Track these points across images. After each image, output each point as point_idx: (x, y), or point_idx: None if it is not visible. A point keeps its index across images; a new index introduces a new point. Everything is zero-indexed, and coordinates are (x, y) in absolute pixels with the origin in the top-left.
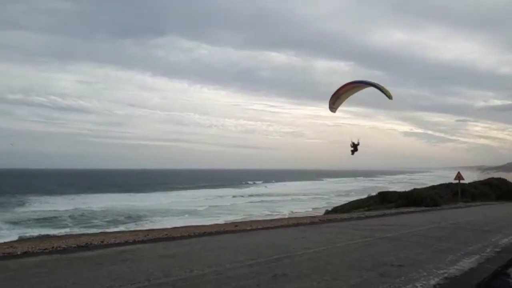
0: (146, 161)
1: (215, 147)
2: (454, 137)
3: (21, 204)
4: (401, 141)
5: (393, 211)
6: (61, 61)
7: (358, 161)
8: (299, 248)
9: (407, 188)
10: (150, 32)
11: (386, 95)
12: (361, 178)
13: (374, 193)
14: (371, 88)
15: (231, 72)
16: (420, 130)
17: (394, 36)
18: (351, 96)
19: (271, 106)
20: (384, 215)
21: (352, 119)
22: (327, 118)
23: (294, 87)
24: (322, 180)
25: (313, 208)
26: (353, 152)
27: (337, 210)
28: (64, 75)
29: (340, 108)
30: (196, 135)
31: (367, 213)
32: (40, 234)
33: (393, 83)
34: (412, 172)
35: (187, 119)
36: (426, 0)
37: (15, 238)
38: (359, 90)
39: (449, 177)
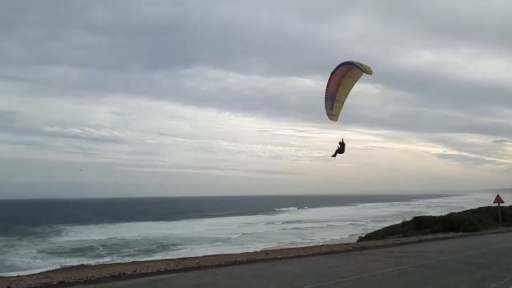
0: (177, 189)
1: (244, 173)
2: (491, 158)
3: (57, 233)
4: (435, 164)
5: (429, 237)
6: (95, 94)
7: (391, 185)
8: (333, 277)
9: (443, 212)
10: (180, 63)
11: (366, 72)
12: (396, 202)
13: (409, 218)
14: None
15: (259, 98)
16: (454, 152)
17: (423, 57)
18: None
19: (299, 131)
20: (420, 241)
21: (382, 142)
22: (356, 141)
23: (322, 112)
24: (355, 205)
25: (348, 235)
26: (337, 153)
27: (371, 236)
28: (99, 107)
29: (369, 131)
30: (226, 161)
31: (402, 240)
32: (74, 264)
33: (424, 104)
34: (448, 196)
35: (216, 146)
36: (456, 19)
37: (50, 267)
38: (351, 82)
39: (487, 200)
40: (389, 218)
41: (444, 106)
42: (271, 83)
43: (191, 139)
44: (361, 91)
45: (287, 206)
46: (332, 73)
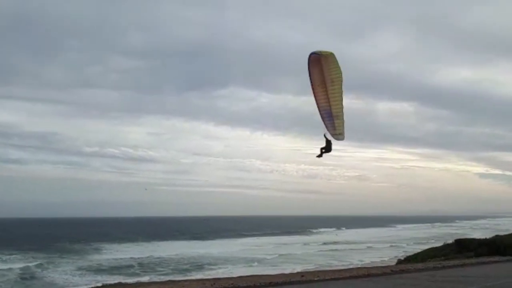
0: (211, 208)
1: (277, 192)
2: None
3: (95, 251)
4: (477, 183)
5: (473, 260)
6: (132, 115)
7: (431, 206)
8: None
9: (488, 234)
10: (213, 84)
11: (322, 54)
12: (437, 224)
13: (450, 241)
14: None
15: (291, 117)
16: (497, 171)
17: (461, 74)
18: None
19: (333, 149)
20: (463, 265)
21: (420, 161)
22: (393, 160)
23: (356, 130)
24: (394, 226)
25: (388, 258)
26: (322, 152)
27: (410, 259)
28: (135, 128)
29: (405, 149)
30: (258, 181)
31: (444, 263)
32: (112, 283)
33: (463, 122)
34: (492, 217)
35: (249, 166)
36: (493, 34)
37: (88, 285)
38: (337, 87)
39: None
40: (429, 241)
41: (484, 124)
42: (302, 102)
43: (224, 158)
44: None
45: (322, 227)
46: (312, 83)
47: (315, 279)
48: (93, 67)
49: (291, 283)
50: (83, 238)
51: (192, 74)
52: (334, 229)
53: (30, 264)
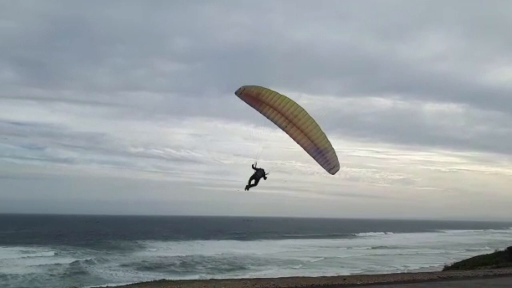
0: (251, 209)
1: (318, 195)
2: None
3: (139, 249)
4: None
5: None
6: (176, 117)
7: (481, 211)
8: None
9: None
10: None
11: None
12: (485, 230)
13: (503, 248)
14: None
15: (332, 119)
16: None
17: None
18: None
19: (377, 152)
20: None
21: (469, 165)
22: (440, 164)
23: (402, 132)
24: (442, 231)
25: (437, 264)
26: (250, 183)
27: (458, 266)
28: (179, 129)
29: (454, 152)
30: (299, 183)
31: (495, 271)
32: (156, 279)
33: None
34: None
35: (289, 167)
36: None
37: (130, 281)
38: (302, 117)
39: None
40: (480, 247)
41: None
42: (345, 103)
43: (264, 160)
44: (444, 110)
45: (366, 231)
46: (279, 126)
47: (358, 283)
48: (139, 70)
49: (333, 286)
50: (128, 235)
51: (234, 76)
52: (379, 233)
53: (78, 260)
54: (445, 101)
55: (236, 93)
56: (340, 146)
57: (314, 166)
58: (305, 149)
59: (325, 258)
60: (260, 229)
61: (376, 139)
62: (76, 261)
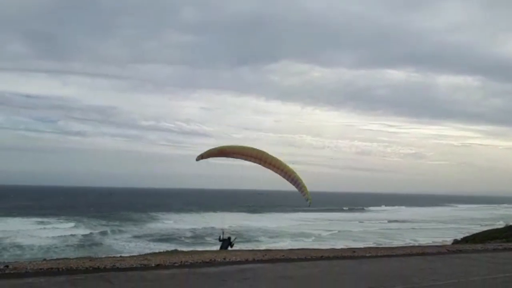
0: (263, 182)
1: (329, 169)
2: None
3: (151, 220)
4: None
5: None
6: (186, 90)
7: (493, 186)
8: (426, 279)
9: None
10: (264, 58)
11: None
12: (497, 205)
13: None
14: None
15: (345, 92)
16: None
17: None
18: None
19: (389, 126)
20: None
21: (483, 139)
22: (452, 138)
23: (414, 105)
24: (454, 206)
25: (448, 238)
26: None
27: (467, 240)
28: (189, 102)
29: (467, 126)
30: (309, 156)
31: (505, 245)
32: (169, 249)
33: None
34: None
35: (299, 141)
36: None
37: (144, 251)
38: (273, 162)
39: None
40: (489, 221)
41: None
42: (358, 76)
43: (274, 134)
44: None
45: (377, 205)
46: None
47: (367, 255)
48: (148, 42)
49: (342, 257)
50: (140, 207)
51: (244, 48)
52: (390, 207)
53: (92, 231)
54: (460, 74)
55: (197, 160)
56: (352, 119)
57: (325, 140)
58: (283, 177)
59: (339, 231)
60: (272, 203)
61: (389, 112)
62: (90, 232)
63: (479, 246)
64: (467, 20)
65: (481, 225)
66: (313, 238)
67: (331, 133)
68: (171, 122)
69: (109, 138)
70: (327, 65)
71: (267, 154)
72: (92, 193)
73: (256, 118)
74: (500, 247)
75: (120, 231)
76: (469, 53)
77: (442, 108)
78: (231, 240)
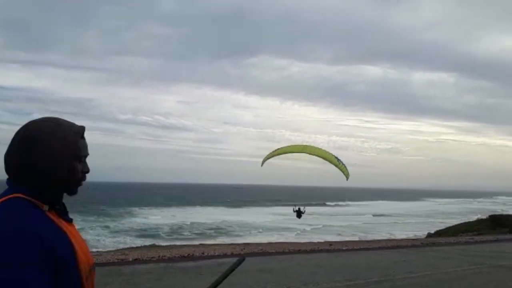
0: (241, 177)
1: (307, 163)
2: None
3: (129, 215)
4: None
5: (507, 236)
6: (165, 83)
7: (466, 181)
8: (400, 272)
9: None
10: (245, 52)
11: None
12: (472, 199)
13: (484, 216)
14: None
15: (323, 87)
16: None
17: (506, 43)
18: None
19: (366, 121)
20: (497, 240)
21: (457, 135)
22: (428, 133)
23: (391, 101)
24: (427, 200)
25: (418, 232)
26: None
27: (441, 233)
28: (168, 96)
29: (441, 122)
30: None
31: (476, 238)
32: (147, 244)
33: (505, 95)
34: None
35: (279, 136)
36: None
37: (121, 246)
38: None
39: None
40: (463, 216)
41: None
42: (336, 72)
43: (254, 128)
44: (433, 80)
45: (350, 199)
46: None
47: (343, 248)
48: (126, 34)
49: (319, 251)
50: (118, 202)
51: (224, 42)
52: (367, 201)
53: None
54: (435, 71)
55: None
56: (329, 115)
57: (304, 135)
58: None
59: (323, 226)
60: (252, 197)
61: (366, 108)
62: None
63: (451, 239)
64: (443, 17)
65: (455, 219)
66: (296, 232)
67: (309, 128)
68: (150, 116)
69: (86, 132)
70: (306, 60)
71: (310, 147)
72: None
73: (236, 113)
74: (471, 240)
75: (97, 226)
76: (444, 49)
77: (418, 104)
78: (301, 210)
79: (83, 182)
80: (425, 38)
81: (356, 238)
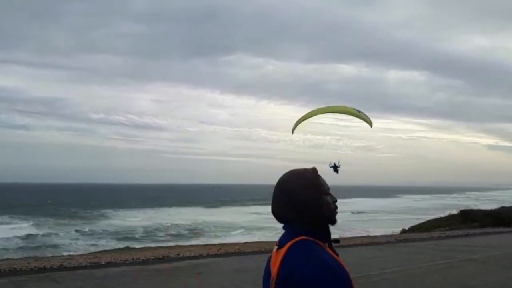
0: (217, 176)
1: (284, 162)
2: None
3: (102, 217)
4: (486, 156)
5: (477, 231)
6: (138, 82)
7: (438, 177)
8: (376, 268)
9: (493, 206)
10: (220, 50)
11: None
12: (443, 195)
13: (455, 212)
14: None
15: (298, 86)
16: (507, 143)
17: (475, 42)
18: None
19: (341, 119)
20: (467, 235)
21: (429, 132)
22: (401, 131)
23: (365, 99)
24: (400, 197)
25: (392, 227)
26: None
27: (414, 229)
28: (141, 94)
29: (414, 120)
30: (265, 150)
31: (448, 233)
32: (120, 247)
33: (475, 93)
34: (500, 189)
35: (255, 135)
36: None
37: (94, 249)
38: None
39: None
40: (434, 211)
41: (497, 94)
42: (311, 70)
43: (230, 127)
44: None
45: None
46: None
47: None
48: (98, 31)
49: None
50: (91, 204)
51: (199, 40)
52: (342, 199)
53: (37, 229)
54: (408, 69)
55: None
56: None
57: (280, 134)
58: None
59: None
60: (230, 196)
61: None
62: (37, 231)
63: (424, 235)
64: (415, 17)
65: (426, 214)
66: (275, 232)
67: (285, 127)
68: (123, 115)
69: (57, 132)
70: (281, 59)
71: (331, 107)
72: (40, 190)
73: (212, 112)
74: (443, 235)
75: (70, 229)
76: (416, 48)
77: (391, 102)
78: (337, 164)
79: (337, 210)
80: (397, 37)
81: (336, 236)
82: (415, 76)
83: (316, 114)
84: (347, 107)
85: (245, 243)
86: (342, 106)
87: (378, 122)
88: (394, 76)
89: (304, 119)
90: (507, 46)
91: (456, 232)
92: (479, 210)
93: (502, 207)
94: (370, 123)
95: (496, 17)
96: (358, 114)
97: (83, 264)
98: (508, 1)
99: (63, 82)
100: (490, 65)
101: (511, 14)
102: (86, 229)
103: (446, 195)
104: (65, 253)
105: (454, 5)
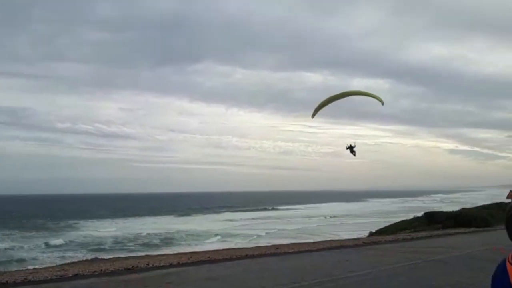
0: (188, 184)
1: (254, 169)
2: (504, 154)
3: (70, 229)
4: (446, 159)
5: (440, 232)
6: (104, 90)
7: (402, 181)
8: (343, 271)
9: (455, 208)
10: (188, 59)
11: (378, 100)
12: (408, 198)
13: (420, 214)
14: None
15: (266, 94)
16: (466, 147)
17: (435, 51)
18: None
19: (309, 126)
20: (431, 236)
21: (393, 138)
22: (366, 137)
23: (332, 107)
24: (366, 201)
25: (360, 231)
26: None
27: (381, 232)
28: (108, 103)
29: (379, 126)
30: (235, 157)
31: (413, 235)
32: (88, 258)
33: (436, 99)
34: (460, 191)
35: (225, 142)
36: (468, 11)
37: (61, 261)
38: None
39: (501, 196)
40: (401, 214)
41: (456, 101)
42: (278, 79)
43: (200, 135)
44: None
45: (297, 203)
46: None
47: (290, 251)
48: (62, 39)
49: (266, 255)
50: (57, 215)
51: (167, 48)
52: (315, 204)
53: (0, 242)
54: (372, 77)
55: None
56: (274, 121)
57: (250, 141)
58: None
59: (278, 230)
60: (202, 204)
61: (308, 114)
62: (0, 245)
63: (390, 237)
64: (378, 26)
65: (396, 218)
66: (250, 239)
67: (255, 134)
68: (90, 124)
69: (21, 142)
70: (249, 68)
71: (347, 92)
72: (3, 202)
73: (181, 120)
74: (408, 237)
75: (35, 242)
76: (380, 57)
77: (357, 109)
78: (353, 145)
79: None
80: (361, 46)
81: (310, 240)
82: (379, 83)
83: (334, 100)
84: (358, 91)
85: (216, 250)
86: (354, 90)
87: (345, 129)
88: (359, 84)
89: (324, 105)
90: (464, 55)
91: (420, 234)
92: (442, 212)
93: (463, 209)
94: (382, 101)
95: (455, 27)
96: (369, 94)
97: (49, 278)
98: (465, 13)
99: (26, 91)
100: (450, 73)
101: (469, 24)
102: (53, 241)
103: (413, 198)
104: (30, 267)
105: (414, 15)
